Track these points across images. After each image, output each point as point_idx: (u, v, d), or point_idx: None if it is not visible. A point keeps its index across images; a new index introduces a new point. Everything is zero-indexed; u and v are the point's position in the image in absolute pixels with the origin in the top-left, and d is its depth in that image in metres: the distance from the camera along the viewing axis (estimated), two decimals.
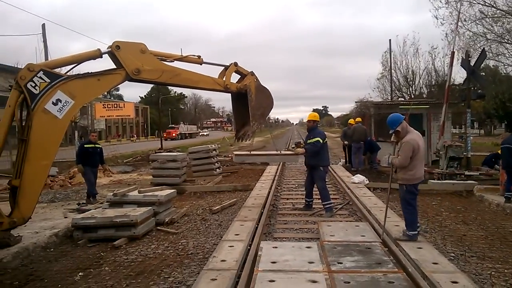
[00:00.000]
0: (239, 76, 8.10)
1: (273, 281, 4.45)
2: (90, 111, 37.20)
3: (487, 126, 64.06)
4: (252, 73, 7.88)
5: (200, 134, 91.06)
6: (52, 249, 7.03)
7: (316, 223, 7.46)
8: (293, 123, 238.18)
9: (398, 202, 10.18)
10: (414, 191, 6.37)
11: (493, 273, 5.38)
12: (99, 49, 6.59)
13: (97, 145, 11.05)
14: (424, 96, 31.15)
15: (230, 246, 5.80)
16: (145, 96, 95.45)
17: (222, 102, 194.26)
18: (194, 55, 7.47)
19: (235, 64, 7.79)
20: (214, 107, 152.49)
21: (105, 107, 34.65)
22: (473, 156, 16.26)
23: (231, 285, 4.43)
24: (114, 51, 6.49)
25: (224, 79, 7.73)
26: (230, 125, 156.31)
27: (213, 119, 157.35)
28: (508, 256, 6.15)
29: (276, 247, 5.71)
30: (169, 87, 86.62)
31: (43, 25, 23.21)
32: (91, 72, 6.42)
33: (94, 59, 6.62)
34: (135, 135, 79.12)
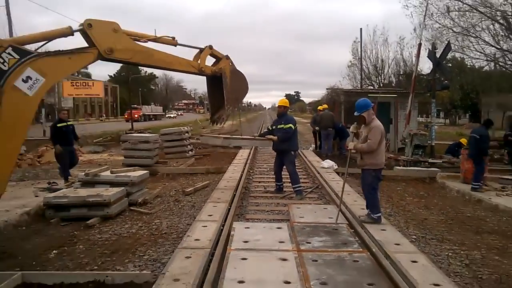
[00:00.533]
0: (215, 60, 8.02)
1: (245, 259, 4.68)
2: (57, 89, 36.18)
3: (452, 116, 66.26)
4: (227, 57, 7.85)
5: (167, 116, 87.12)
6: (24, 227, 7.01)
7: (287, 206, 7.73)
8: (265, 108, 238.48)
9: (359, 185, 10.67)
10: (379, 176, 6.61)
11: (450, 254, 5.79)
12: (70, 27, 6.36)
13: (69, 123, 10.92)
14: (393, 85, 31.90)
15: (204, 226, 5.97)
16: (114, 75, 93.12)
17: (195, 83, 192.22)
18: (169, 36, 7.31)
19: (210, 47, 7.71)
20: (186, 88, 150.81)
21: (73, 85, 33.71)
22: (437, 145, 16.95)
23: (205, 262, 4.62)
24: (86, 29, 6.29)
25: (199, 61, 7.62)
26: (202, 107, 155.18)
27: (185, 101, 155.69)
28: (465, 238, 6.59)
29: (248, 228, 5.95)
30: (140, 67, 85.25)
31: None
32: (62, 50, 6.21)
33: (65, 36, 6.35)
34: (104, 115, 77.48)
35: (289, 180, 8.93)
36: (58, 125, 10.60)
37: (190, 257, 4.73)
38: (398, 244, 5.35)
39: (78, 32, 6.54)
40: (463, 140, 13.90)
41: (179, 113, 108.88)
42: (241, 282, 4.04)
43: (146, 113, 69.42)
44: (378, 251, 5.08)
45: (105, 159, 16.22)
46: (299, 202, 8.20)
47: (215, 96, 8.22)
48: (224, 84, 7.70)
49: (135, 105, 68.65)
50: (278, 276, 4.20)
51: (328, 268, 4.37)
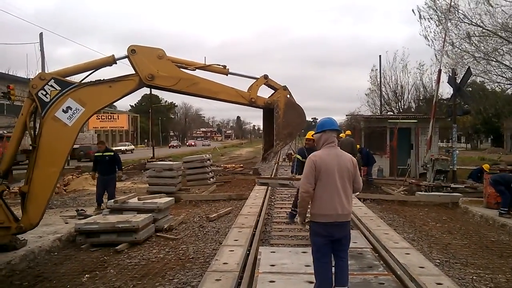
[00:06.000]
0: (273, 92, 7.25)
1: (273, 281, 4.83)
2: None
3: (473, 140, 65.46)
4: (284, 88, 7.07)
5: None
6: (56, 253, 7.29)
7: None
8: None
9: (387, 212, 10.70)
10: (318, 238, 4.12)
11: (474, 277, 5.81)
12: (113, 55, 6.54)
13: (105, 154, 11.09)
14: (412, 110, 31.85)
15: (231, 251, 6.13)
16: (135, 104, 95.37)
17: (213, 112, 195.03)
18: (219, 65, 6.95)
19: (265, 76, 7.00)
20: (204, 117, 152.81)
21: (99, 119, 34.65)
22: (459, 170, 16.84)
23: (234, 285, 4.77)
24: (129, 55, 6.38)
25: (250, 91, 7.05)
26: (220, 135, 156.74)
27: (203, 129, 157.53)
28: (489, 262, 6.60)
29: (274, 252, 6.10)
30: (160, 96, 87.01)
31: (41, 34, 23.36)
32: (104, 79, 6.40)
33: (109, 65, 6.57)
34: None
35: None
36: (96, 154, 11.24)
37: (220, 279, 4.89)
38: (423, 267, 5.40)
39: (127, 59, 6.45)
40: (486, 166, 13.81)
41: (206, 143, 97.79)
42: None
43: None
44: (403, 274, 5.15)
45: (129, 187, 16.58)
46: None
47: (270, 130, 7.30)
48: (276, 117, 6.90)
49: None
50: None
51: None
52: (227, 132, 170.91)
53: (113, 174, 11.15)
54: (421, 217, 10.28)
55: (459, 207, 11.46)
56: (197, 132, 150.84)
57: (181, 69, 6.73)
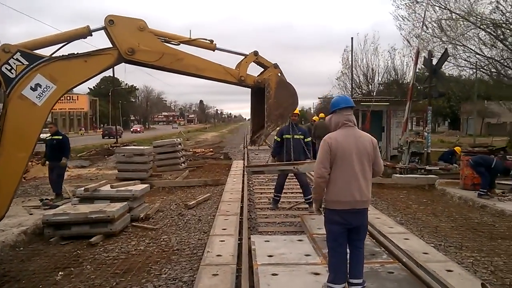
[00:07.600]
0: (262, 70, 6.80)
1: (276, 274, 4.45)
2: None
3: (431, 124, 67.75)
4: (275, 66, 6.61)
5: None
6: (22, 248, 6.59)
7: (298, 217, 7.50)
8: (245, 118, 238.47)
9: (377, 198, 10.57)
10: (334, 226, 3.84)
11: (473, 261, 5.68)
12: (87, 26, 5.80)
13: (54, 137, 10.04)
14: (373, 94, 32.03)
15: (221, 241, 5.71)
16: (94, 87, 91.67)
17: (175, 96, 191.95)
18: (206, 39, 6.39)
19: (255, 53, 6.51)
20: (166, 100, 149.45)
21: None
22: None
23: (234, 279, 4.36)
24: (107, 26, 5.68)
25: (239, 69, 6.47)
26: (182, 119, 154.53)
27: (165, 113, 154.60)
28: (481, 245, 6.52)
29: (268, 241, 5.72)
30: (120, 79, 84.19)
31: None
32: (78, 53, 5.67)
33: (83, 37, 5.83)
34: (83, 128, 75.82)
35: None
36: (47, 138, 10.00)
37: (217, 274, 4.47)
38: (427, 253, 5.20)
39: (103, 31, 5.79)
40: (458, 149, 14.05)
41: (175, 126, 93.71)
42: None
43: None
44: (409, 261, 4.91)
45: (94, 174, 15.72)
46: (311, 213, 7.84)
47: (259, 112, 6.86)
48: (267, 97, 6.46)
49: None
50: None
51: (366, 280, 4.14)
52: (189, 116, 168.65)
53: (58, 162, 9.86)
54: (402, 199, 10.22)
55: (435, 189, 11.52)
56: (159, 116, 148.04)
57: (164, 43, 6.12)
